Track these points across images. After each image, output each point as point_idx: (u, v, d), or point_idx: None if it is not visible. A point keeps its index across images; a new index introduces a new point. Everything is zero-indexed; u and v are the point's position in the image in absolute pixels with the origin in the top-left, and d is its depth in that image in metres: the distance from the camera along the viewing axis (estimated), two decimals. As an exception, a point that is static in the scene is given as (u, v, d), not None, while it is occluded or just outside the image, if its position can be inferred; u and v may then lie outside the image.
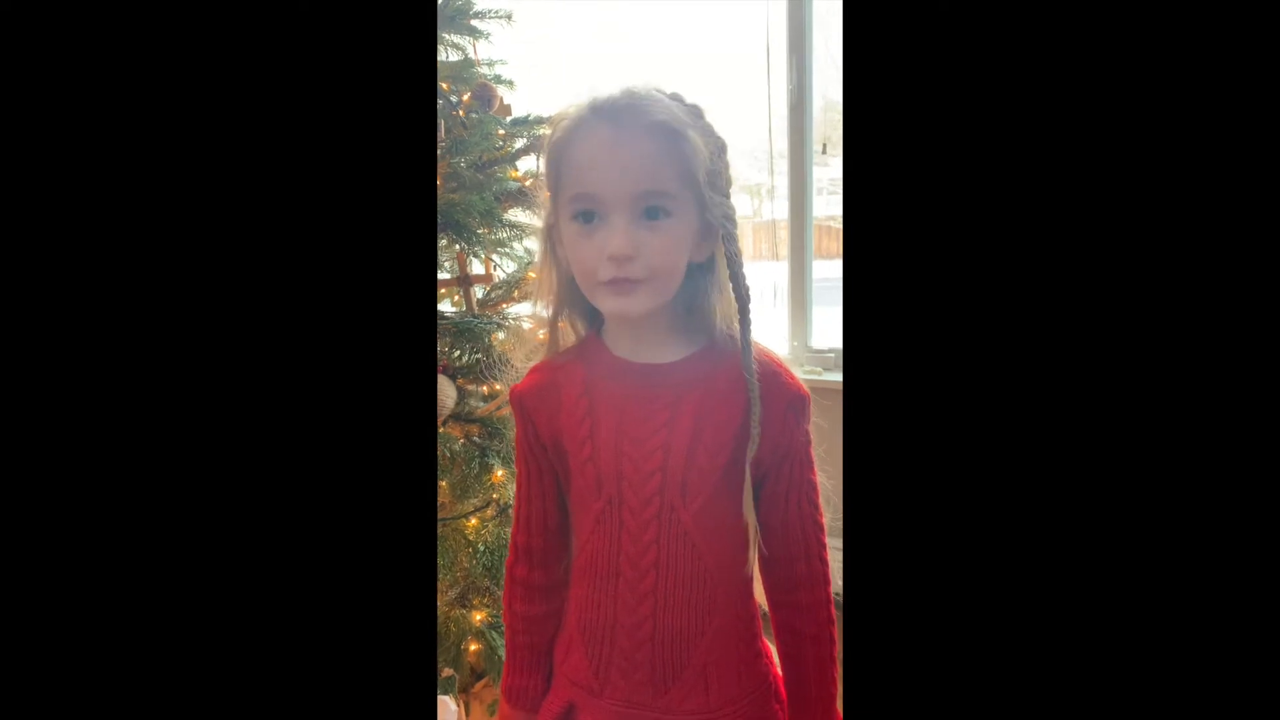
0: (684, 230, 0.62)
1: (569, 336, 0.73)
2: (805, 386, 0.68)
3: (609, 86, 0.63)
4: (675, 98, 0.63)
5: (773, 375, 0.66)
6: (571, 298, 0.71)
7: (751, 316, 0.66)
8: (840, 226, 2.65)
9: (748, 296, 0.66)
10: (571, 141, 0.62)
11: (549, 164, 0.65)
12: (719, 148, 0.64)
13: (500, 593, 0.97)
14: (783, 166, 1.99)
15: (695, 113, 0.64)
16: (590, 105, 0.62)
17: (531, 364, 0.73)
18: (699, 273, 0.66)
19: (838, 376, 1.91)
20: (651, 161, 0.60)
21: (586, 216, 0.62)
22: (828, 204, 2.28)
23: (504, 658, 0.78)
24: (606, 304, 0.63)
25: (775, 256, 2.02)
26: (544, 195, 0.69)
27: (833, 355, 1.99)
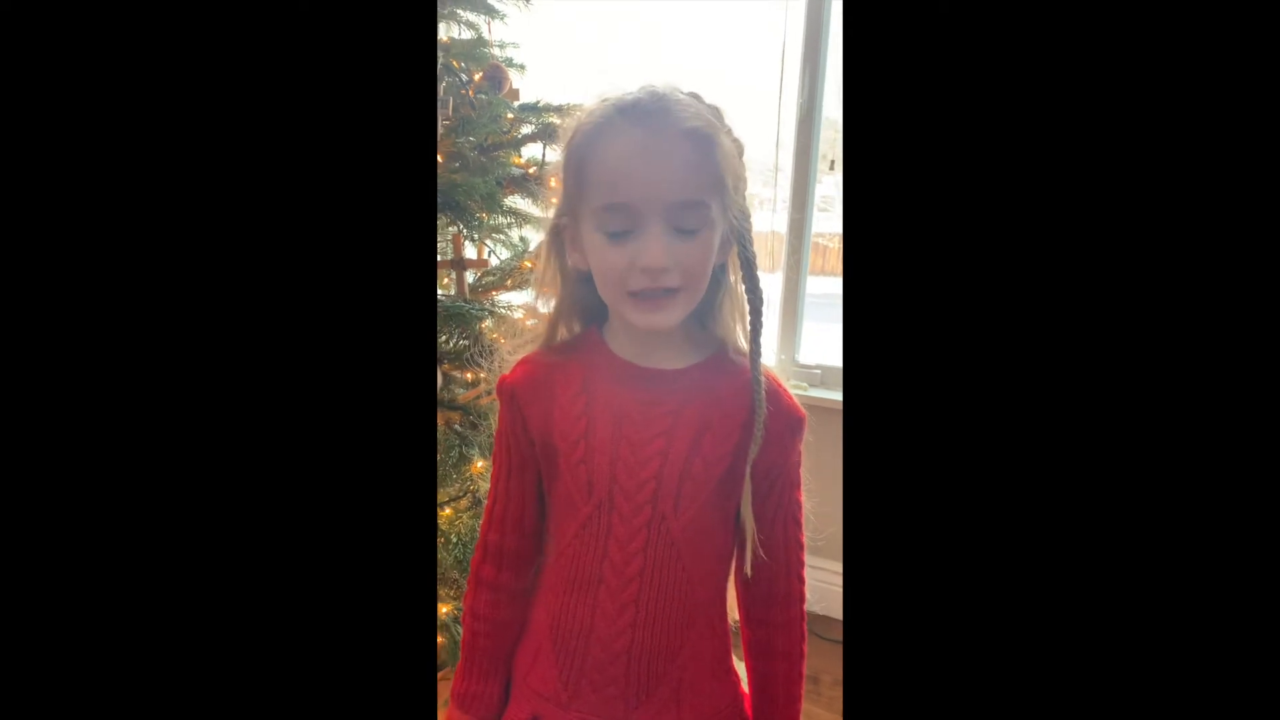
0: (715, 237, 0.60)
1: (560, 332, 0.70)
2: (802, 408, 0.67)
3: (627, 85, 0.60)
4: (695, 97, 0.61)
5: (775, 394, 0.65)
6: (575, 296, 0.68)
7: (763, 322, 0.64)
8: (832, 245, 2.66)
9: (761, 300, 0.64)
10: (598, 145, 0.59)
11: (569, 164, 0.62)
12: (739, 150, 0.62)
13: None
14: (783, 180, 1.98)
15: (718, 114, 0.61)
16: (616, 106, 0.58)
17: (520, 355, 0.70)
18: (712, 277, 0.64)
19: (822, 393, 1.91)
20: (688, 170, 0.57)
21: (619, 228, 0.58)
22: (823, 220, 2.28)
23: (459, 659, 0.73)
24: (636, 317, 0.60)
25: (771, 268, 2.02)
26: (554, 186, 0.66)
27: (819, 371, 1.99)
